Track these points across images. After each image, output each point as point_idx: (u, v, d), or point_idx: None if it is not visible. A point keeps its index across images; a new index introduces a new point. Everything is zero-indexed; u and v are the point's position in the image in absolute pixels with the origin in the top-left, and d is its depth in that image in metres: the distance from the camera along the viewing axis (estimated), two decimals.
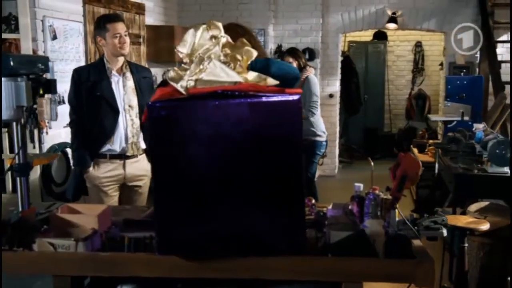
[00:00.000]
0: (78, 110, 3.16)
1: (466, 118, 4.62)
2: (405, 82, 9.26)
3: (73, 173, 3.40)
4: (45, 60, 2.19)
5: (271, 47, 7.15)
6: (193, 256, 1.80)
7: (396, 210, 2.01)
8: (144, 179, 3.29)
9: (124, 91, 3.18)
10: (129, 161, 3.19)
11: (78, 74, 3.18)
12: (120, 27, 3.11)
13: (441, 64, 7.23)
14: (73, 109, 3.20)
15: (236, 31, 2.47)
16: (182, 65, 1.97)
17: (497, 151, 3.61)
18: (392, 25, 6.90)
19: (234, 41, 2.05)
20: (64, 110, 4.49)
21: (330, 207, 2.23)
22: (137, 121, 3.19)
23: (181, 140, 1.74)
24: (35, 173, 4.15)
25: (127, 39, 3.14)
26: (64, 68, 4.56)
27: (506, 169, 3.64)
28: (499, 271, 3.44)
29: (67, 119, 4.55)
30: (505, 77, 6.06)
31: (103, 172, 3.17)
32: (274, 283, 1.82)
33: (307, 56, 6.98)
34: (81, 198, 3.48)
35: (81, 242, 1.88)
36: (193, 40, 1.98)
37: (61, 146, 4.49)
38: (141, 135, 3.22)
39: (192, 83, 1.82)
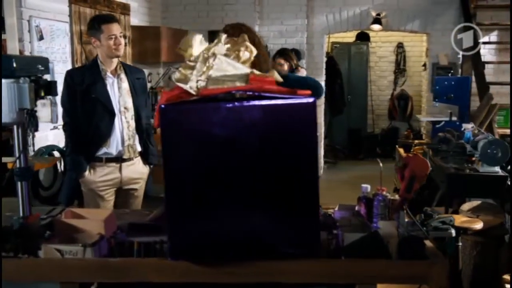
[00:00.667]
0: (72, 112, 3.08)
1: (454, 118, 4.68)
2: (387, 82, 9.34)
3: (68, 177, 3.32)
4: (45, 61, 2.14)
5: None
6: (207, 261, 1.77)
7: (405, 211, 2.01)
8: (140, 182, 3.24)
9: (119, 93, 3.12)
10: (125, 164, 3.13)
11: (71, 76, 3.10)
12: (115, 28, 3.05)
13: (424, 65, 7.31)
14: (67, 112, 3.11)
15: (240, 29, 2.48)
16: (187, 63, 1.95)
17: (489, 151, 3.66)
18: (376, 26, 6.96)
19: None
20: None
21: (336, 208, 2.22)
22: (132, 123, 3.14)
23: (194, 144, 1.72)
24: None
25: (122, 41, 3.08)
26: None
27: (497, 169, 3.70)
28: (492, 269, 3.48)
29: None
30: (488, 77, 6.17)
31: (99, 176, 3.10)
32: (288, 286, 1.81)
33: None
34: (74, 203, 3.42)
35: (89, 248, 1.83)
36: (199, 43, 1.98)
37: (49, 149, 4.40)
38: (136, 137, 3.18)
39: (203, 83, 1.80)
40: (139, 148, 3.19)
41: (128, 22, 6.03)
